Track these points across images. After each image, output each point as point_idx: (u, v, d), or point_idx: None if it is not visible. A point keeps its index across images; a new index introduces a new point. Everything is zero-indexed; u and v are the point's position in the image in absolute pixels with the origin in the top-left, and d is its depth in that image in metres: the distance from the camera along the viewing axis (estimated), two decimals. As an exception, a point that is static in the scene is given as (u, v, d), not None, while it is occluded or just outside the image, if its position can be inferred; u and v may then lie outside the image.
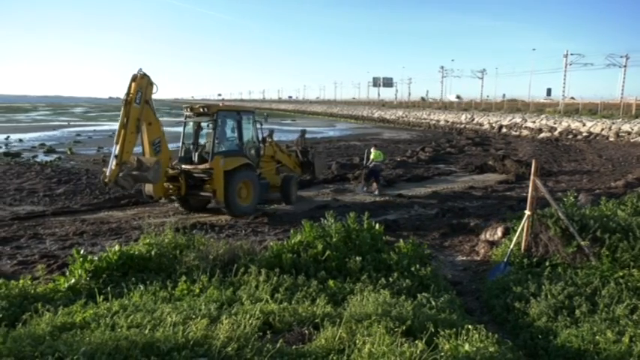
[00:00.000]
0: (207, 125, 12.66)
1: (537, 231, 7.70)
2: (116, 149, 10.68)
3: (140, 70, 11.03)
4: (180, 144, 12.80)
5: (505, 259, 7.64)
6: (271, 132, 14.86)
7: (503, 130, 45.23)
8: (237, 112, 12.95)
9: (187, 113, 12.68)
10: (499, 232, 9.44)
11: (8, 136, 36.20)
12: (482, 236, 9.70)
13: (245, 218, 11.68)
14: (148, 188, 11.77)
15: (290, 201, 13.62)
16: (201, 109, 12.40)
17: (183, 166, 12.05)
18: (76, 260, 6.43)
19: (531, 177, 7.78)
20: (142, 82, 10.93)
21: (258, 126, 13.33)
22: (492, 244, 9.06)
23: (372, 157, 15.91)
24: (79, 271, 6.27)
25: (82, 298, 5.53)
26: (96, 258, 6.52)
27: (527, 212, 7.70)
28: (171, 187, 11.90)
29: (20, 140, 34.79)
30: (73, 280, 6.13)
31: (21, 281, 6.27)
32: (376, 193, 15.27)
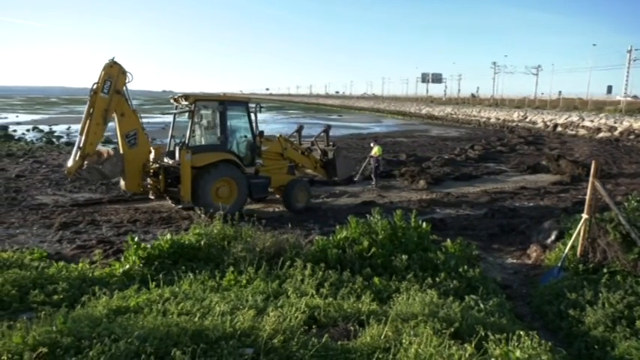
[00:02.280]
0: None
1: (595, 236, 7.32)
2: (80, 141, 10.20)
3: (112, 58, 10.46)
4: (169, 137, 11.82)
5: (559, 264, 7.33)
6: (300, 127, 14.02)
7: (559, 129, 43.29)
8: (220, 102, 11.38)
9: (175, 104, 11.68)
10: (553, 235, 9.07)
11: (69, 127, 38.21)
12: (534, 239, 9.35)
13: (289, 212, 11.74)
14: (122, 182, 11.05)
15: (292, 207, 11.99)
16: (181, 100, 11.35)
17: (165, 161, 11.17)
18: (130, 247, 6.71)
19: (590, 178, 7.39)
20: (111, 71, 10.32)
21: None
22: (545, 247, 8.71)
23: (374, 152, 16.12)
24: (133, 257, 6.55)
25: (136, 284, 5.76)
26: (149, 246, 6.78)
27: (584, 215, 7.34)
28: (151, 182, 11.14)
29: (80, 131, 36.59)
30: (127, 266, 6.42)
31: (80, 265, 6.64)
32: (373, 184, 15.90)
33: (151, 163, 11.11)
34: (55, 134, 32.93)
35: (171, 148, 11.36)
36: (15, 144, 26.06)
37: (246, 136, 11.77)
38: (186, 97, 11.24)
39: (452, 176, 18.03)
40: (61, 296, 5.39)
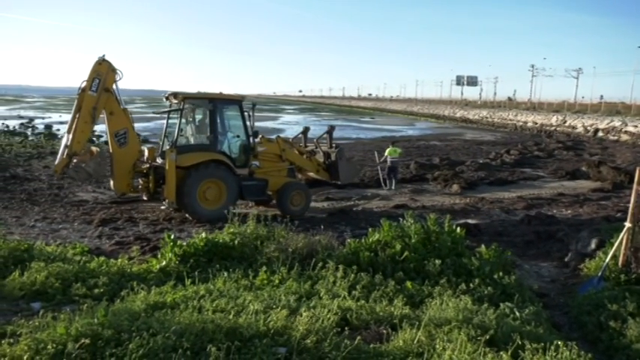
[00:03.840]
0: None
1: (638, 245, 7.05)
2: (68, 139, 10.11)
3: (102, 56, 10.35)
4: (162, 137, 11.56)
5: (599, 274, 7.08)
6: (306, 129, 13.47)
7: (600, 134, 41.83)
8: (209, 100, 10.94)
9: (168, 103, 11.39)
10: (592, 243, 8.77)
11: (109, 126, 39.34)
12: (573, 247, 9.06)
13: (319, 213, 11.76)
14: (111, 183, 10.90)
15: (286, 211, 11.20)
16: (171, 98, 11.08)
17: (158, 161, 10.86)
18: (167, 244, 6.88)
19: (634, 186, 7.13)
20: (100, 69, 10.20)
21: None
22: (584, 256, 8.43)
23: (387, 152, 15.97)
24: (170, 254, 6.71)
25: (172, 280, 5.91)
26: (184, 243, 6.94)
27: (627, 224, 7.07)
28: (142, 183, 10.98)
29: (119, 130, 37.68)
30: (164, 263, 6.59)
31: (119, 260, 6.85)
32: (393, 188, 15.64)
33: (144, 163, 10.92)
34: (96, 133, 34.03)
35: (164, 148, 11.02)
36: (58, 142, 27.10)
37: (238, 136, 11.34)
38: (174, 95, 11.01)
39: (486, 181, 17.69)
40: (102, 290, 5.59)
